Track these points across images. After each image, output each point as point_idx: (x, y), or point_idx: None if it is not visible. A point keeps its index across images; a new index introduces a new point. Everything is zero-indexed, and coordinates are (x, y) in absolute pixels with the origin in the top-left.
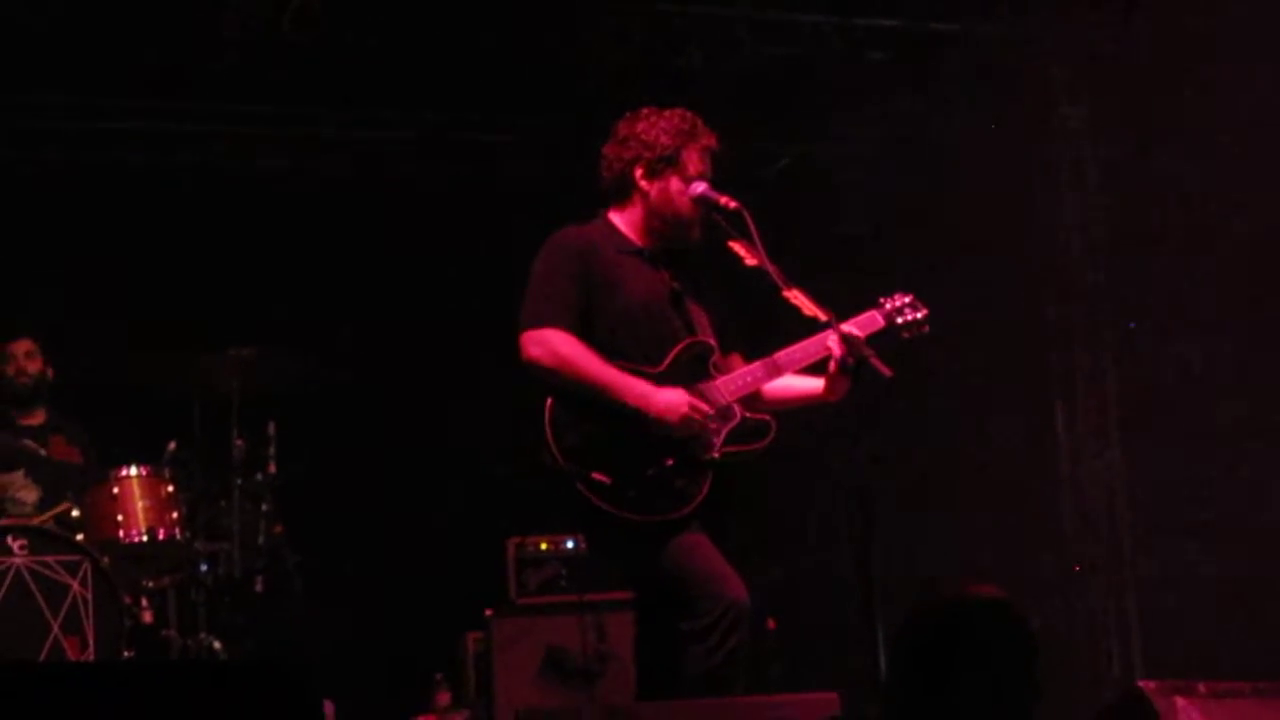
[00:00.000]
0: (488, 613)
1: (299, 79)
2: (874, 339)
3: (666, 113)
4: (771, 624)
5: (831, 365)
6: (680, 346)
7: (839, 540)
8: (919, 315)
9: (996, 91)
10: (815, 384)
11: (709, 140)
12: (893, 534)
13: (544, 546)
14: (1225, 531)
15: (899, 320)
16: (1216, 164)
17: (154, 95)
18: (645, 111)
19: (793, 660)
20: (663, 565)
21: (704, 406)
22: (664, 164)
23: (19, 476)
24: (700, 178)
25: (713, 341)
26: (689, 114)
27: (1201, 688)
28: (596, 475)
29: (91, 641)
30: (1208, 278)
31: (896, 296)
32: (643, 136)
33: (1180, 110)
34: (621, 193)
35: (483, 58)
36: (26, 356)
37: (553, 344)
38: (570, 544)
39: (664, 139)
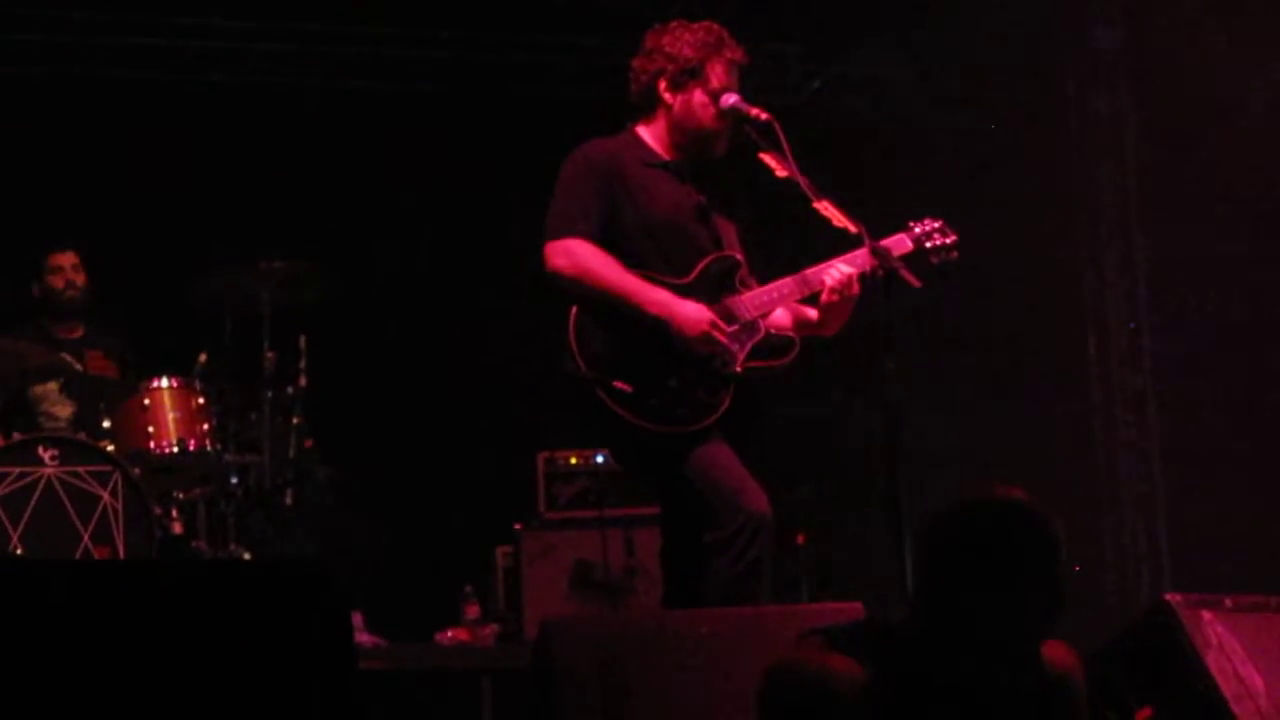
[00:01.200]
0: (517, 526)
1: None
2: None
3: (693, 25)
4: (801, 539)
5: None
6: (708, 260)
7: (868, 456)
8: (949, 240)
9: (1029, 14)
10: (812, 313)
11: (735, 54)
12: (922, 450)
13: (574, 461)
14: (1256, 453)
15: (928, 244)
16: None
17: (191, 12)
18: (673, 25)
19: (821, 575)
20: (683, 476)
21: (724, 325)
22: (687, 76)
23: (54, 390)
24: (724, 90)
25: (740, 256)
26: (716, 27)
27: (1228, 601)
28: (618, 383)
29: (121, 552)
30: (1240, 205)
31: (926, 221)
32: (667, 49)
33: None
34: (647, 106)
35: None
36: (74, 269)
37: (576, 254)
38: (600, 459)
39: (688, 51)
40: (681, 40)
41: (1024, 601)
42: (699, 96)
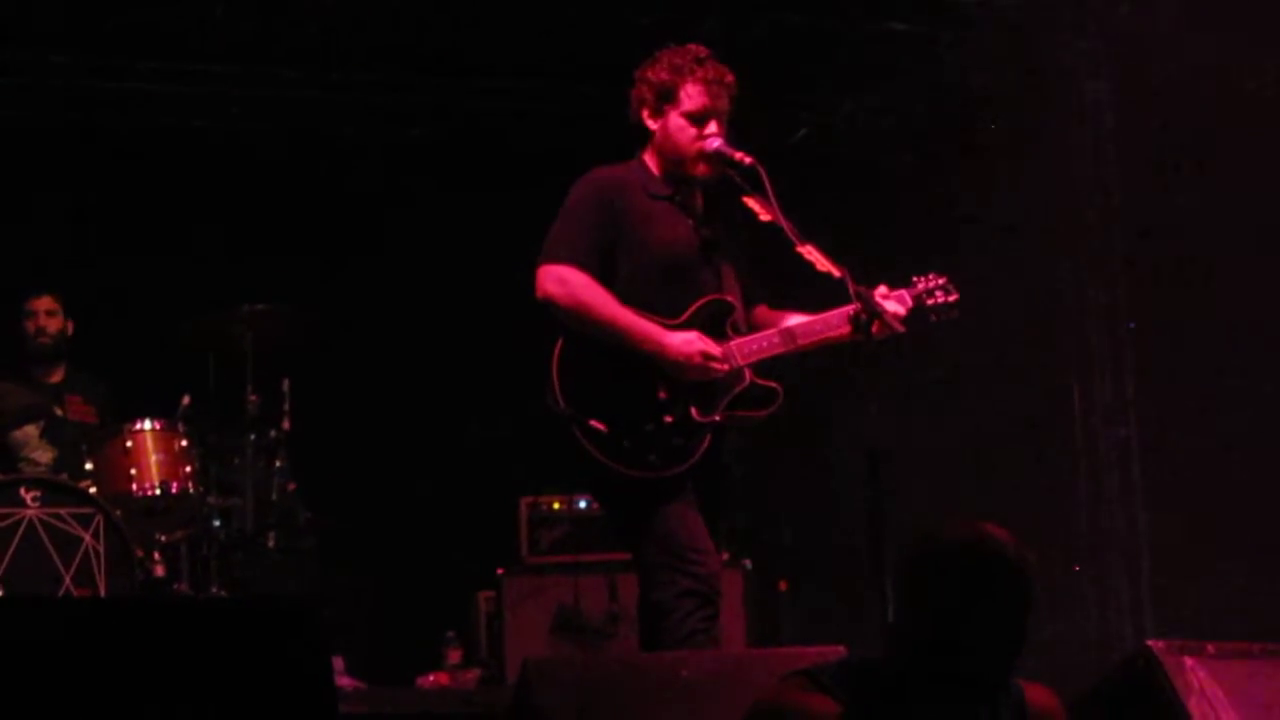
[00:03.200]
0: (499, 571)
1: (317, 42)
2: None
3: (675, 49)
4: (783, 585)
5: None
6: (700, 302)
7: (852, 502)
8: (950, 299)
9: (1019, 64)
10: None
11: (714, 73)
12: (906, 495)
13: (556, 506)
14: (1236, 497)
15: (928, 302)
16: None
17: (175, 58)
18: (660, 52)
19: (804, 620)
20: (645, 524)
21: (718, 350)
22: (663, 100)
23: (34, 435)
24: (704, 112)
25: (735, 301)
26: (696, 48)
27: (1210, 648)
28: (593, 422)
29: (103, 593)
30: (1231, 257)
31: (931, 277)
32: (648, 76)
33: (1202, 86)
34: (641, 137)
35: (501, 22)
36: (48, 314)
37: (569, 282)
38: (582, 504)
39: (663, 74)
40: (659, 65)
41: (989, 641)
42: (674, 119)
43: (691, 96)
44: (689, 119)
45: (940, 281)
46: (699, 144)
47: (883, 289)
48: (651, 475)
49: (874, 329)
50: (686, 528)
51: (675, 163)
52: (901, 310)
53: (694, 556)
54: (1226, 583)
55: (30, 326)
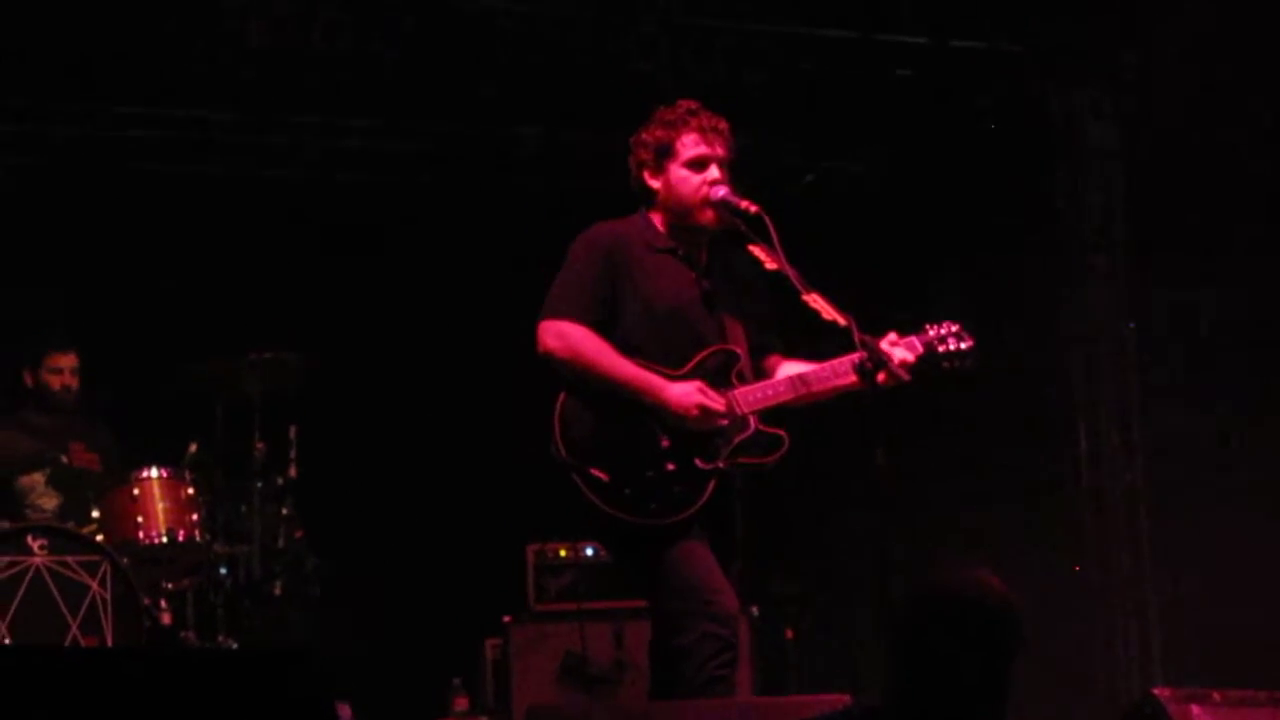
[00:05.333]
0: (506, 619)
1: (325, 88)
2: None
3: (667, 108)
4: (790, 634)
5: (881, 376)
6: (705, 353)
7: (859, 550)
8: (964, 346)
9: (1024, 109)
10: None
11: (709, 121)
12: (912, 544)
13: (563, 553)
14: (1244, 544)
15: (939, 349)
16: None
17: (186, 105)
18: (653, 114)
19: (810, 670)
20: (655, 572)
21: (719, 398)
22: (662, 156)
23: (40, 482)
24: (702, 159)
25: (740, 350)
26: (686, 103)
27: (1216, 695)
28: (595, 471)
29: (110, 641)
30: (1233, 296)
31: (944, 324)
32: (644, 138)
33: (1206, 128)
34: (645, 196)
35: (504, 68)
36: (72, 372)
37: (569, 337)
38: (589, 551)
39: (658, 132)
40: (654, 124)
41: (990, 681)
42: (675, 172)
43: (688, 146)
44: (689, 167)
45: (954, 329)
46: (703, 191)
47: (892, 336)
48: (653, 523)
49: (880, 378)
50: (700, 570)
51: (682, 214)
52: (910, 358)
53: (711, 598)
54: (1233, 630)
55: (56, 382)
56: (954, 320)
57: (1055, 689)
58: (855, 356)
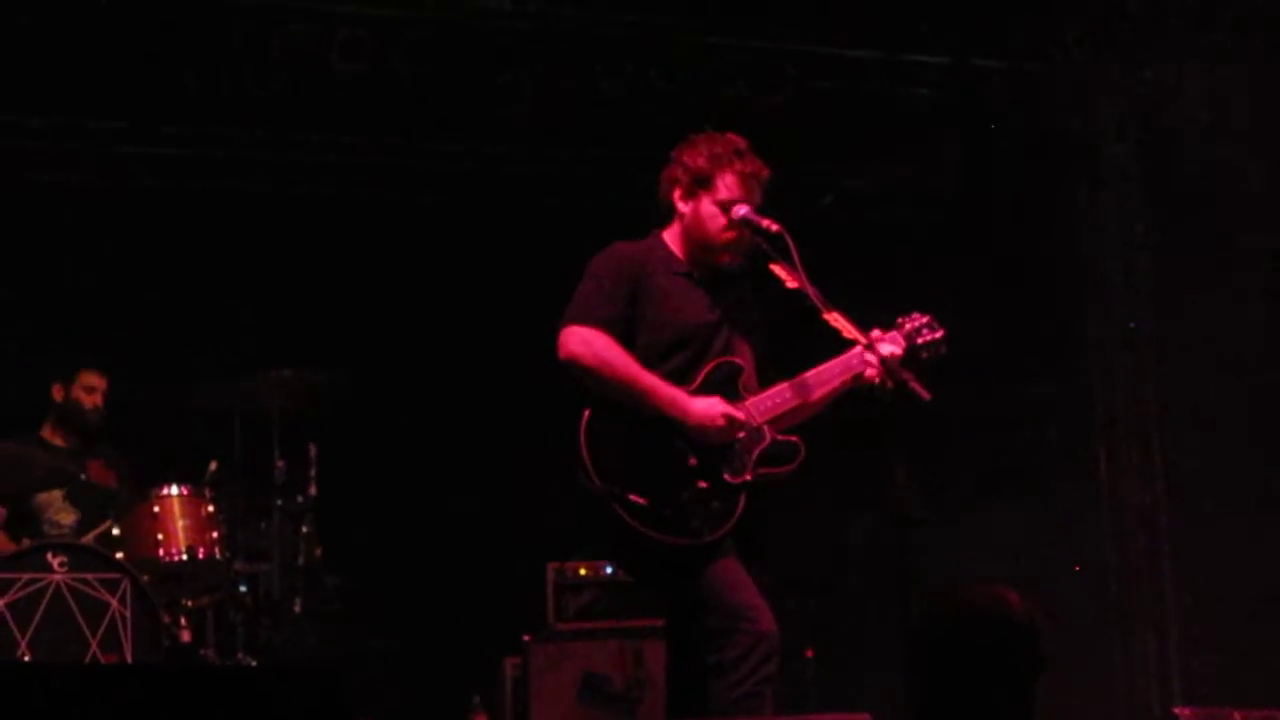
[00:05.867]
0: (526, 638)
1: (347, 107)
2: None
3: (715, 136)
4: (809, 653)
5: (870, 372)
6: (710, 366)
7: (880, 569)
8: (937, 336)
9: (1042, 127)
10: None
11: (751, 167)
12: (933, 563)
13: (583, 572)
14: (1264, 563)
15: (918, 340)
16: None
17: (205, 121)
18: (699, 137)
19: (831, 689)
20: (695, 590)
21: (739, 413)
22: (697, 185)
23: (58, 498)
24: (735, 202)
25: (743, 362)
26: (735, 139)
27: (1237, 715)
28: (633, 496)
29: (130, 659)
30: (1250, 315)
31: (915, 316)
32: (684, 159)
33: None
34: (667, 214)
35: (524, 89)
36: (103, 394)
37: (593, 343)
38: (609, 569)
39: (700, 161)
40: (697, 150)
41: (1012, 698)
42: (706, 206)
43: (728, 187)
44: (721, 208)
45: (925, 320)
46: (727, 234)
47: (876, 333)
48: (698, 542)
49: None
50: (738, 587)
51: (702, 247)
52: (899, 351)
53: (753, 614)
54: (1254, 649)
55: (88, 401)
56: (923, 313)
57: (1077, 708)
58: (858, 351)
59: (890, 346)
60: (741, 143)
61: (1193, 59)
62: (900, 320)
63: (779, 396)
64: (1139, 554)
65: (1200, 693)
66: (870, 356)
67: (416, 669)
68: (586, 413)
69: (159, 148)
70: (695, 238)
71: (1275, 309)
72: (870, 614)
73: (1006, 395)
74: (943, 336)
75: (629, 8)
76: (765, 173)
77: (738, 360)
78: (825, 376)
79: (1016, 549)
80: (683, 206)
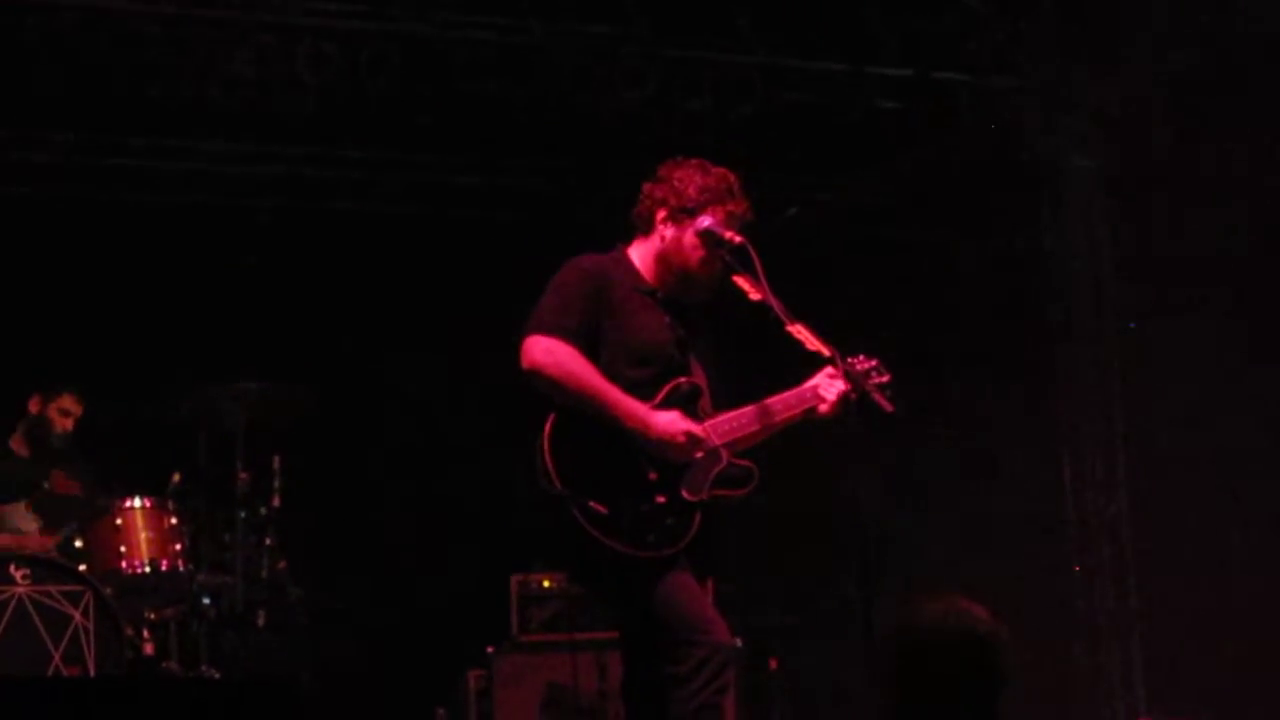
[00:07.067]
0: (489, 649)
1: (309, 119)
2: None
3: (710, 169)
4: (774, 664)
5: (823, 408)
6: (670, 385)
7: (844, 581)
8: (884, 380)
9: (1008, 142)
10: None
11: (738, 207)
12: (899, 575)
13: (547, 584)
14: (1229, 573)
15: (868, 383)
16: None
17: (176, 134)
18: (694, 161)
19: (795, 699)
20: (649, 603)
21: (700, 429)
22: (685, 214)
23: (20, 508)
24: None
25: (701, 384)
26: (729, 176)
27: None
28: (594, 504)
29: (92, 671)
30: (1214, 328)
31: (861, 359)
32: (675, 183)
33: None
34: (644, 228)
35: (494, 101)
36: (76, 420)
37: (557, 352)
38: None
39: (692, 191)
40: (691, 179)
41: (976, 710)
42: (690, 238)
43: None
44: (702, 238)
45: (874, 363)
46: (706, 268)
47: (829, 370)
48: (652, 555)
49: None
50: (691, 600)
51: (679, 275)
52: (846, 388)
53: (708, 627)
54: (1219, 659)
55: (59, 424)
56: (871, 356)
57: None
58: (818, 382)
59: (841, 384)
60: (732, 178)
61: (1160, 74)
62: (851, 360)
63: (740, 420)
64: (1103, 563)
65: (1166, 703)
66: (834, 376)
67: (380, 681)
68: (551, 417)
69: (120, 159)
70: (674, 264)
71: (1239, 321)
72: (833, 626)
73: (969, 407)
74: (890, 380)
75: (594, 19)
76: (751, 215)
77: (697, 381)
78: (790, 402)
79: (979, 563)
80: (664, 229)
